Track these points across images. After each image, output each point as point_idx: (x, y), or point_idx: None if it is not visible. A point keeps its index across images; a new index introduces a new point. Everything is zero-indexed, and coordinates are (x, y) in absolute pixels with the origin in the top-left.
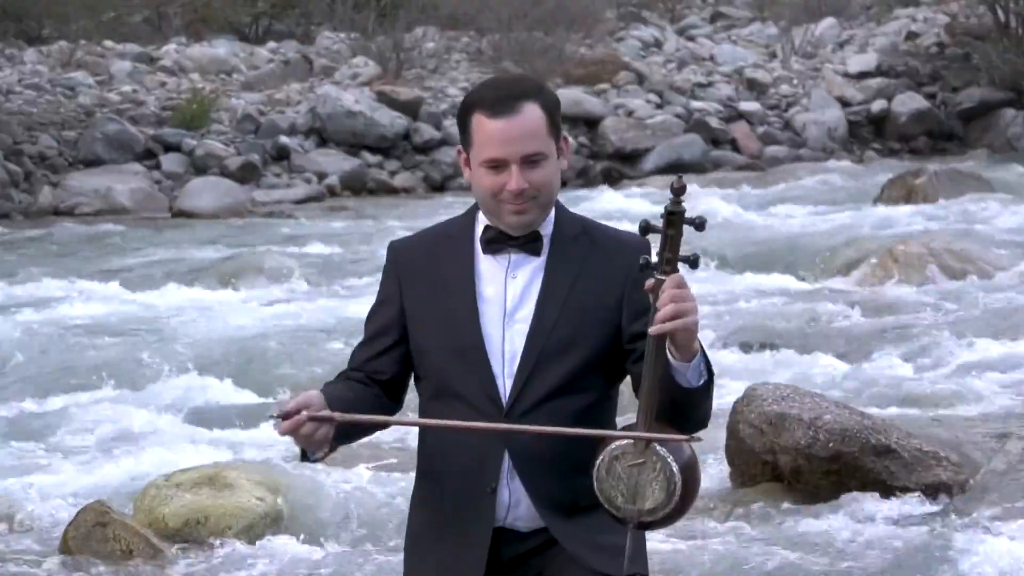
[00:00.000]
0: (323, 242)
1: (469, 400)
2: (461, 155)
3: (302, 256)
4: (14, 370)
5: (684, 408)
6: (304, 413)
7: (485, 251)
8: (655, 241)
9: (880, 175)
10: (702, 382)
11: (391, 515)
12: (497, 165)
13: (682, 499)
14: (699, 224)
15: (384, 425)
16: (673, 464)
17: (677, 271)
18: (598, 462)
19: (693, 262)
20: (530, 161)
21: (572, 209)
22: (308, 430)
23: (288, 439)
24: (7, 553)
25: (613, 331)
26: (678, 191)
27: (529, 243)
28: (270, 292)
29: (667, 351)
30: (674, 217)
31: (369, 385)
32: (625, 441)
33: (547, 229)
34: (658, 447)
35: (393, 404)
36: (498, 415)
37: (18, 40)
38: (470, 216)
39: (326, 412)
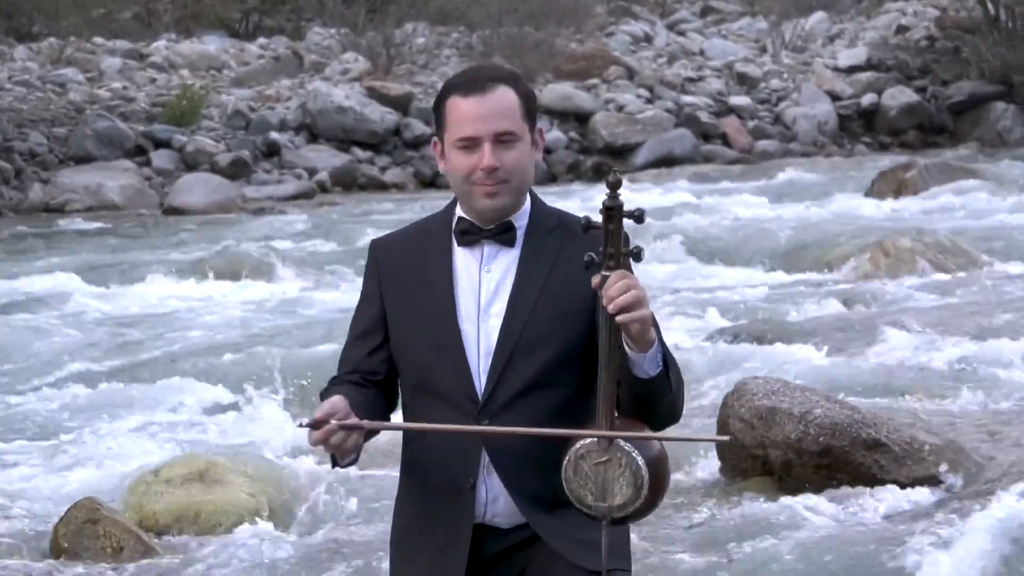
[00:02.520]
0: (314, 238)
1: (446, 396)
2: (436, 147)
3: (292, 252)
4: (2, 366)
5: (647, 400)
6: (333, 422)
7: (459, 243)
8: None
9: (870, 169)
10: (659, 371)
11: (380, 509)
12: (470, 144)
13: (651, 492)
14: (638, 217)
15: (409, 431)
16: (639, 459)
17: (621, 266)
18: (564, 463)
19: (636, 255)
20: (502, 140)
21: (563, 204)
22: (338, 439)
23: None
24: None
25: (588, 323)
26: (613, 185)
27: (502, 233)
28: (260, 288)
29: (624, 342)
30: (612, 212)
31: (367, 387)
32: (589, 440)
33: (521, 221)
34: (622, 443)
35: (389, 403)
36: (474, 410)
37: (8, 37)
38: (449, 211)
39: (354, 420)
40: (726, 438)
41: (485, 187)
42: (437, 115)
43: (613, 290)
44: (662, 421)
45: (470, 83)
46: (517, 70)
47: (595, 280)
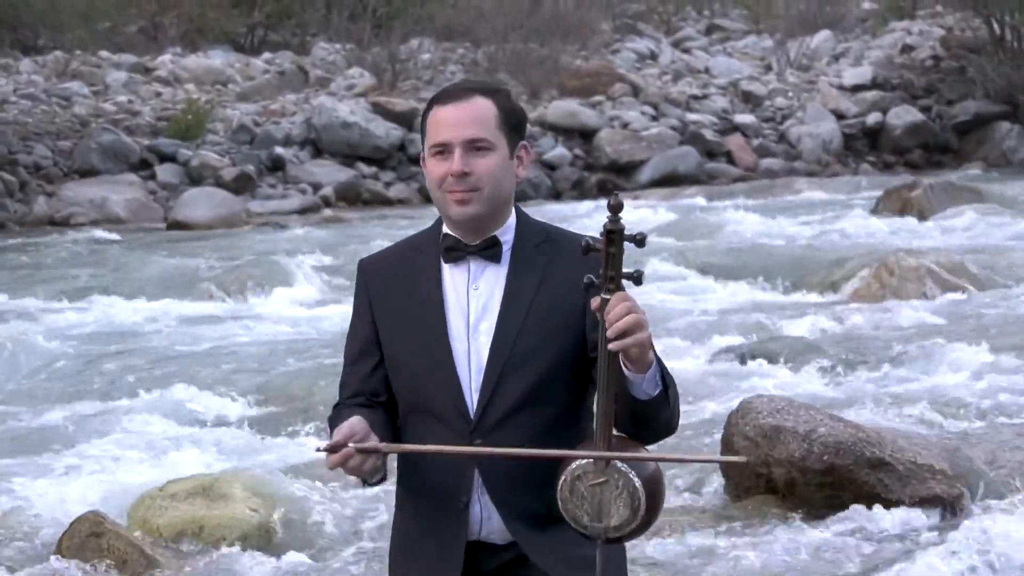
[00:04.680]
0: (318, 253)
1: (438, 414)
2: (423, 162)
3: (297, 267)
4: (7, 380)
5: (643, 419)
6: (351, 445)
7: (446, 260)
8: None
9: (875, 188)
10: (658, 392)
11: (383, 526)
12: (442, 150)
13: (647, 513)
14: (639, 241)
15: (429, 454)
16: (636, 480)
17: (622, 289)
18: (560, 483)
19: (636, 279)
20: (474, 148)
21: (567, 221)
22: (356, 462)
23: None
24: (2, 564)
25: (578, 338)
26: (615, 208)
27: (487, 249)
28: (264, 303)
29: (622, 364)
30: (613, 235)
31: (375, 408)
32: (585, 460)
33: (507, 236)
34: (619, 464)
35: (396, 423)
36: (466, 429)
37: (13, 50)
38: (436, 228)
39: (372, 444)
40: (742, 459)
41: (456, 194)
42: (422, 129)
43: (613, 314)
44: (657, 436)
45: (449, 93)
46: (504, 86)
47: (594, 303)
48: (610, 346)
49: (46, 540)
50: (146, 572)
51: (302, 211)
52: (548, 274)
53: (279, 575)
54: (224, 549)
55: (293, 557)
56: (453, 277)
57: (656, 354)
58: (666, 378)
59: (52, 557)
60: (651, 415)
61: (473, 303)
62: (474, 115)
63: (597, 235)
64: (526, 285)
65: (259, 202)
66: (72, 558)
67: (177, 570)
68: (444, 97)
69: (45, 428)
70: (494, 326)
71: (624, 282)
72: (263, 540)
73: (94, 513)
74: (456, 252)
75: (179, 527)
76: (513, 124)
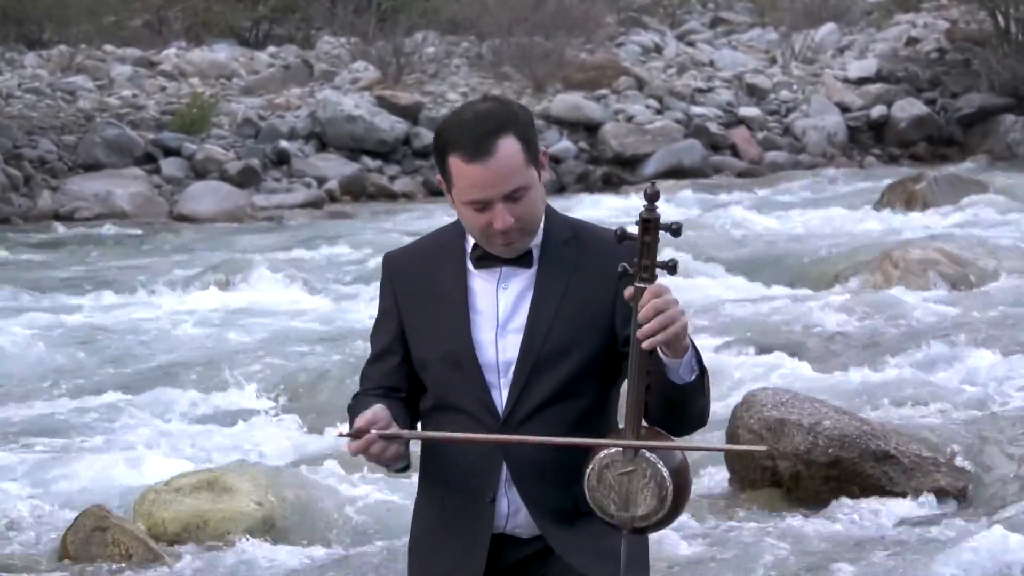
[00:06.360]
0: (323, 247)
1: (467, 411)
2: (442, 183)
3: (302, 261)
4: (13, 374)
5: (679, 405)
6: (373, 432)
7: (476, 266)
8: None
9: (880, 181)
10: (694, 377)
11: (389, 519)
12: (481, 206)
13: (674, 503)
14: (675, 230)
15: (449, 441)
16: (664, 470)
17: (655, 278)
18: (588, 471)
19: (671, 268)
20: (513, 198)
21: (573, 215)
22: (378, 449)
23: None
24: (7, 558)
25: (607, 334)
26: (652, 197)
27: (519, 258)
28: (269, 297)
29: (658, 350)
30: (649, 224)
31: (394, 401)
32: (614, 449)
33: (537, 239)
34: (647, 453)
35: (415, 419)
36: (495, 425)
37: (18, 44)
38: (460, 227)
39: (394, 430)
40: (762, 448)
41: (502, 239)
42: (440, 164)
43: (648, 307)
44: (691, 426)
45: (471, 144)
46: (508, 100)
47: (628, 292)
48: (642, 342)
49: (51, 534)
50: (151, 566)
51: (307, 205)
52: (577, 271)
53: (284, 570)
54: (229, 543)
55: (299, 551)
56: (481, 276)
57: (692, 340)
58: (701, 364)
59: (57, 551)
60: (687, 402)
61: (502, 302)
62: (506, 168)
63: (631, 225)
64: (555, 283)
65: (264, 196)
66: (77, 552)
67: (182, 564)
68: (466, 149)
69: (50, 422)
70: (523, 325)
71: (658, 272)
72: (268, 534)
73: (99, 507)
74: (487, 260)
75: (184, 521)
76: (533, 144)
